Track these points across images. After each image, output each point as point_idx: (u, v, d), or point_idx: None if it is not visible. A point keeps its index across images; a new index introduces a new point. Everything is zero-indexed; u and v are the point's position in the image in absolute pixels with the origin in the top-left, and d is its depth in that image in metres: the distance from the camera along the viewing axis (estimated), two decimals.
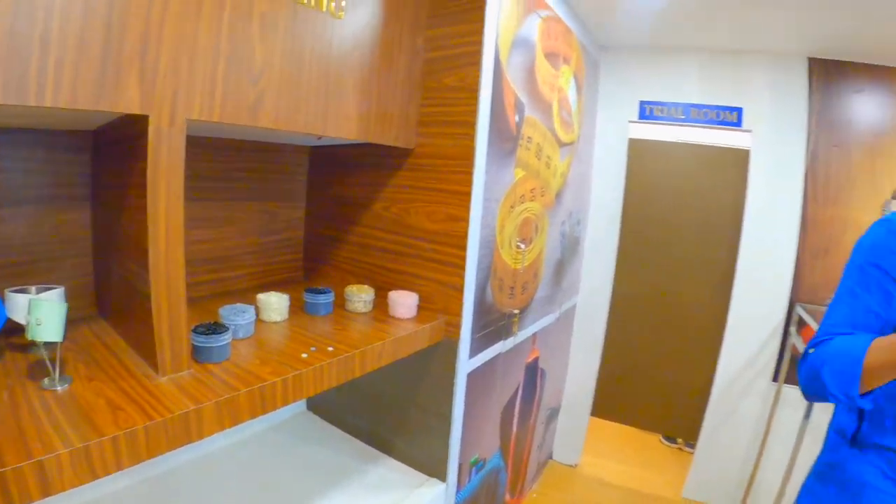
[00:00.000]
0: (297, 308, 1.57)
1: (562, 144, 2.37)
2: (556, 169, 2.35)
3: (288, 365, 1.15)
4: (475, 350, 1.80)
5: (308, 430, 1.93)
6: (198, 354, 1.10)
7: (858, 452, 1.17)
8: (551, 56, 2.11)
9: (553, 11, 2.09)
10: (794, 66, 2.62)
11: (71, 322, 0.93)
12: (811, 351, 1.16)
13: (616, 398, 3.64)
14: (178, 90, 0.96)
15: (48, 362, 0.91)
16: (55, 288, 1.01)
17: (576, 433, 3.28)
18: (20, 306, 1.04)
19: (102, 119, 1.10)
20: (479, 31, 1.53)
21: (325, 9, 1.26)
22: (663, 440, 3.75)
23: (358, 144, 1.65)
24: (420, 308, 1.68)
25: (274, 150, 1.85)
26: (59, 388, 0.91)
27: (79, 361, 1.04)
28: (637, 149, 3.10)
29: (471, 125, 1.57)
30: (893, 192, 2.50)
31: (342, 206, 1.92)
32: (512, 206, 1.91)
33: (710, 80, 2.78)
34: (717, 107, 2.77)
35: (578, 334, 3.20)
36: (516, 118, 1.83)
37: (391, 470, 1.76)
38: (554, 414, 3.15)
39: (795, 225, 2.66)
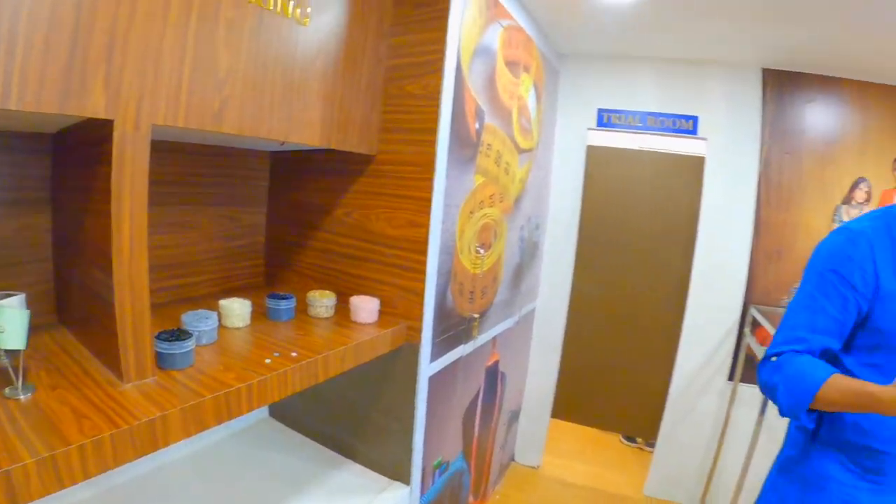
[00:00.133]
0: (259, 314, 1.56)
1: (521, 151, 2.42)
2: (515, 175, 2.39)
3: (252, 371, 1.15)
4: (436, 354, 1.82)
5: (271, 436, 1.92)
6: (162, 361, 1.09)
7: (820, 447, 1.23)
8: (512, 64, 2.15)
9: (515, 21, 2.14)
10: (749, 77, 2.72)
11: (31, 329, 0.91)
12: (773, 359, 1.22)
13: (576, 400, 3.69)
14: (143, 95, 0.95)
15: (11, 370, 0.89)
16: (16, 294, 0.98)
17: (537, 435, 3.33)
18: None
19: (64, 122, 1.08)
20: (442, 40, 1.56)
21: (290, 15, 1.27)
22: (623, 440, 3.83)
23: (320, 150, 1.66)
24: (382, 313, 1.69)
25: (235, 154, 1.83)
26: (22, 397, 0.89)
27: (41, 369, 1.02)
28: (595, 155, 3.17)
29: (432, 132, 1.60)
30: (843, 197, 2.63)
31: (304, 212, 1.92)
32: (471, 212, 1.94)
33: (667, 89, 2.87)
34: (674, 115, 2.86)
35: (538, 337, 3.25)
36: (476, 125, 1.87)
37: (355, 474, 1.77)
38: (515, 416, 3.19)
39: (749, 229, 2.76)
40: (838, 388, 1.05)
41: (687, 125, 2.84)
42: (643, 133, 2.98)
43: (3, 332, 0.84)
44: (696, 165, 2.96)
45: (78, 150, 1.12)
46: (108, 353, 1.03)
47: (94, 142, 0.98)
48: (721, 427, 2.88)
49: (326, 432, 1.90)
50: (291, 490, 1.62)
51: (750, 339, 2.66)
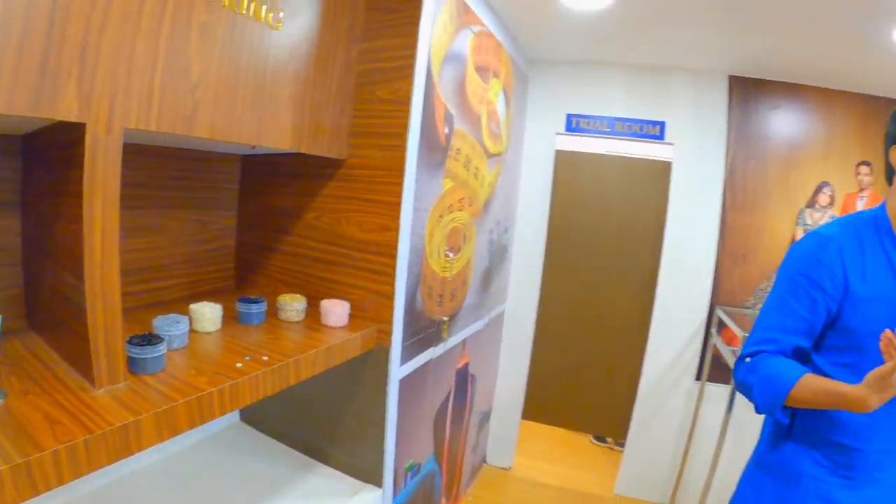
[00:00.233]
0: (230, 318, 1.55)
1: (490, 155, 2.45)
2: (485, 179, 2.42)
3: (224, 375, 1.15)
4: (406, 357, 1.83)
5: (242, 441, 1.90)
6: (133, 366, 1.08)
7: (793, 443, 1.28)
8: (482, 70, 2.18)
9: (485, 27, 2.17)
10: (715, 83, 2.80)
11: (1, 335, 0.90)
12: (747, 360, 1.28)
13: (546, 401, 3.74)
14: (116, 98, 0.95)
15: None
16: None
17: (508, 436, 3.36)
18: None
19: (34, 125, 1.07)
20: (413, 46, 1.58)
21: (263, 20, 1.27)
22: (593, 440, 3.88)
23: (291, 154, 1.66)
24: (352, 316, 1.69)
25: (205, 158, 1.81)
26: None
27: (12, 375, 1.00)
28: (564, 160, 3.23)
29: (402, 137, 1.62)
30: (807, 201, 2.72)
31: (274, 216, 1.91)
32: (441, 216, 1.96)
33: (635, 95, 2.94)
34: (641, 120, 2.93)
35: (507, 339, 3.29)
36: (446, 130, 1.89)
37: (327, 478, 1.76)
38: (486, 418, 3.22)
39: (715, 232, 2.84)
40: (810, 387, 1.11)
41: (654, 130, 2.91)
42: (611, 138, 3.04)
43: None
44: (663, 170, 3.03)
45: (49, 152, 1.10)
46: (80, 358, 1.02)
47: (65, 144, 0.97)
48: (690, 426, 2.95)
49: (298, 436, 1.90)
50: (263, 494, 1.61)
51: (716, 340, 2.73)
